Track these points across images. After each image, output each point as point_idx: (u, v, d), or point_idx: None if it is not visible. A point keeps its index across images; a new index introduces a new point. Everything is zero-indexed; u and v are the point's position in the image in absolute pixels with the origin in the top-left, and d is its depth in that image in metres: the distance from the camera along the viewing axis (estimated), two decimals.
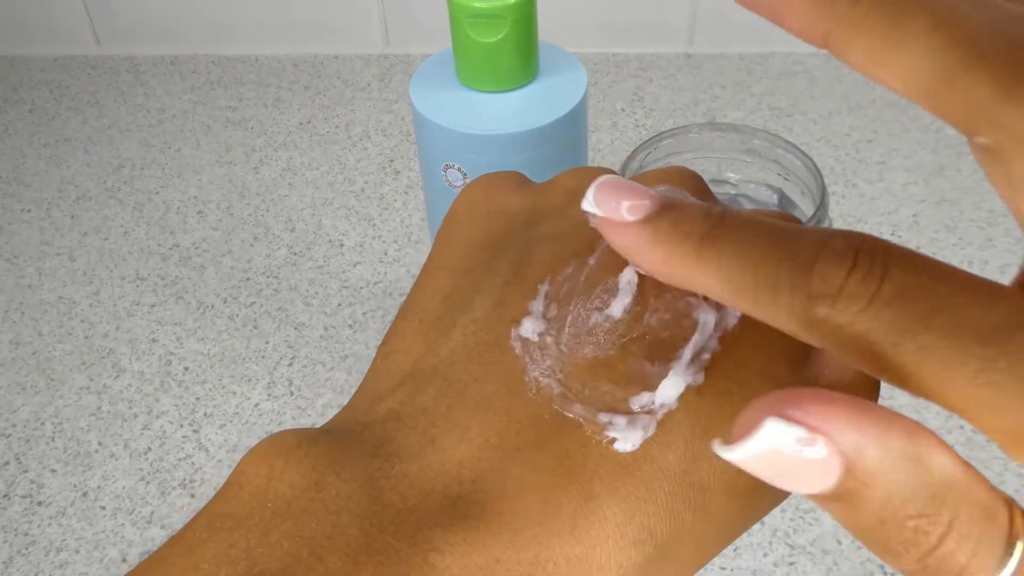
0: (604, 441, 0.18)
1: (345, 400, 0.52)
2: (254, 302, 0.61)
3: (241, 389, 0.56)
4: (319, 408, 0.54)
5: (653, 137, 0.53)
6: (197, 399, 0.55)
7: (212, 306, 0.61)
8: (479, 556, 0.17)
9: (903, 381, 0.15)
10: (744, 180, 0.54)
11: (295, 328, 0.59)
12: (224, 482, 0.18)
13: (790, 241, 0.15)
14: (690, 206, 0.17)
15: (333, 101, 0.77)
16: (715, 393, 0.18)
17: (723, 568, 0.46)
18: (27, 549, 0.49)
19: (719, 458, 0.15)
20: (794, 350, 0.19)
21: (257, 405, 0.55)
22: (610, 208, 0.17)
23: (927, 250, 0.61)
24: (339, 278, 0.62)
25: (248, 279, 0.63)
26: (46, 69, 0.83)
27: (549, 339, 0.19)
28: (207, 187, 0.70)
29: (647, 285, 0.19)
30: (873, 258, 0.15)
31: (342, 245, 0.64)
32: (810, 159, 0.51)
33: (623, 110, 0.74)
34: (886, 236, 0.62)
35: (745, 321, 0.19)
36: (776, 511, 0.48)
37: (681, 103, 0.74)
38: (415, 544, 0.16)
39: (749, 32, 0.77)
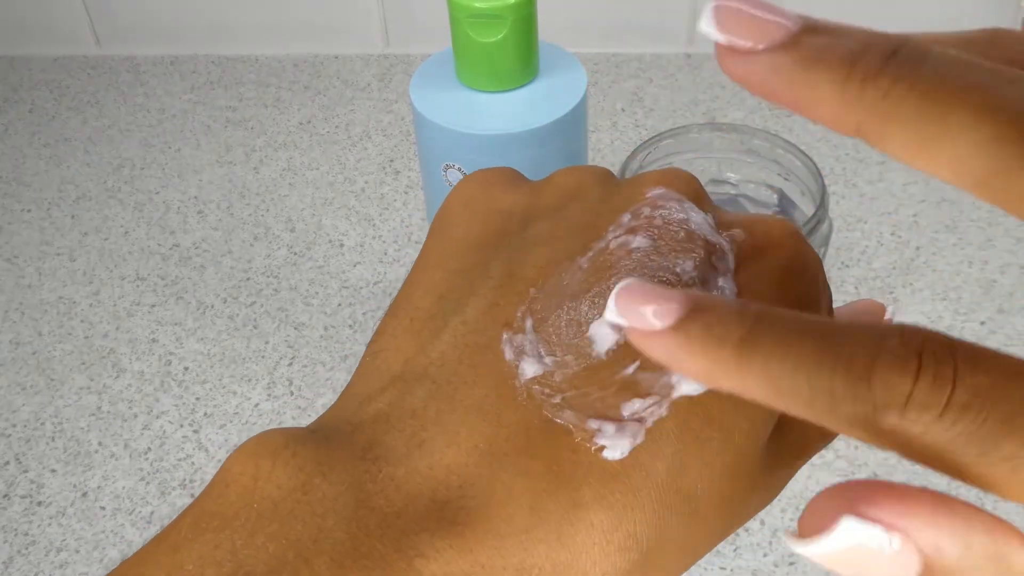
0: (593, 448, 0.17)
1: None
2: (254, 302, 0.61)
3: (241, 389, 0.56)
4: (319, 408, 0.54)
5: (653, 137, 0.53)
6: (197, 399, 0.55)
7: (212, 306, 0.61)
8: (464, 562, 0.17)
9: (992, 489, 0.14)
10: (744, 180, 0.54)
11: (295, 328, 0.59)
12: (210, 480, 0.18)
13: (841, 342, 0.14)
14: (721, 305, 0.15)
15: (333, 101, 0.77)
16: (707, 400, 0.18)
17: (723, 568, 0.46)
18: (27, 549, 0.49)
19: (708, 468, 0.15)
20: None
21: (257, 405, 0.55)
22: (635, 317, 0.16)
23: (927, 250, 0.61)
24: (339, 278, 0.62)
25: (248, 279, 0.63)
26: (46, 69, 0.83)
27: (541, 344, 0.18)
28: (207, 187, 0.70)
29: None
30: (939, 360, 0.13)
31: (342, 245, 0.64)
32: (810, 159, 0.51)
33: (623, 110, 0.74)
34: (886, 236, 0.62)
35: None
36: (776, 511, 0.48)
37: (681, 103, 0.74)
38: (401, 549, 0.16)
39: None
